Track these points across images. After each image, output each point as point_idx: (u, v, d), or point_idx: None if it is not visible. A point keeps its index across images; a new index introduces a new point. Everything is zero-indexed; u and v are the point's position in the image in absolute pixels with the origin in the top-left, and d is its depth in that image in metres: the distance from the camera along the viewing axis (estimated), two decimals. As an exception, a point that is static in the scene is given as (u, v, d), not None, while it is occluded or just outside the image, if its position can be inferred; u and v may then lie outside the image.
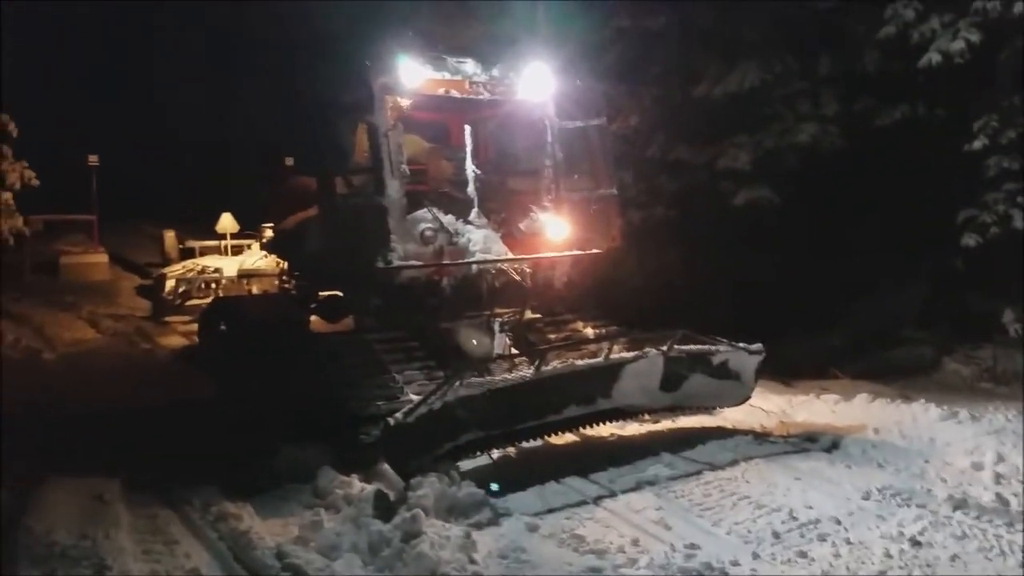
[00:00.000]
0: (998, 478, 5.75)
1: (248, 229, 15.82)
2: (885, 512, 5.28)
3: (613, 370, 6.44)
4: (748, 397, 7.36)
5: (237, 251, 15.42)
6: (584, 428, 6.69)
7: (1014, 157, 8.90)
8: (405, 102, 7.40)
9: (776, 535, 4.98)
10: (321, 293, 8.79)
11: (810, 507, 5.39)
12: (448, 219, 7.36)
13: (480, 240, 7.40)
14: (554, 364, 6.38)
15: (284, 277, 10.54)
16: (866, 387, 8.50)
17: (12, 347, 12.00)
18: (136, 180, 22.63)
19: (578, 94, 8.07)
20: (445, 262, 7.24)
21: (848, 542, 4.85)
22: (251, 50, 25.34)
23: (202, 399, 8.66)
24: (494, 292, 7.64)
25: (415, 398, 5.91)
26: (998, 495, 5.47)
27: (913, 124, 9.83)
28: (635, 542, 4.93)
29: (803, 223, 10.34)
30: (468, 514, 5.23)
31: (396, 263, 6.89)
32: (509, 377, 6.07)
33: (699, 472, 6.08)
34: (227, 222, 16.03)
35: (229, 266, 14.30)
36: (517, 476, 5.94)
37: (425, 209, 7.36)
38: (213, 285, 14.22)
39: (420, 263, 7.11)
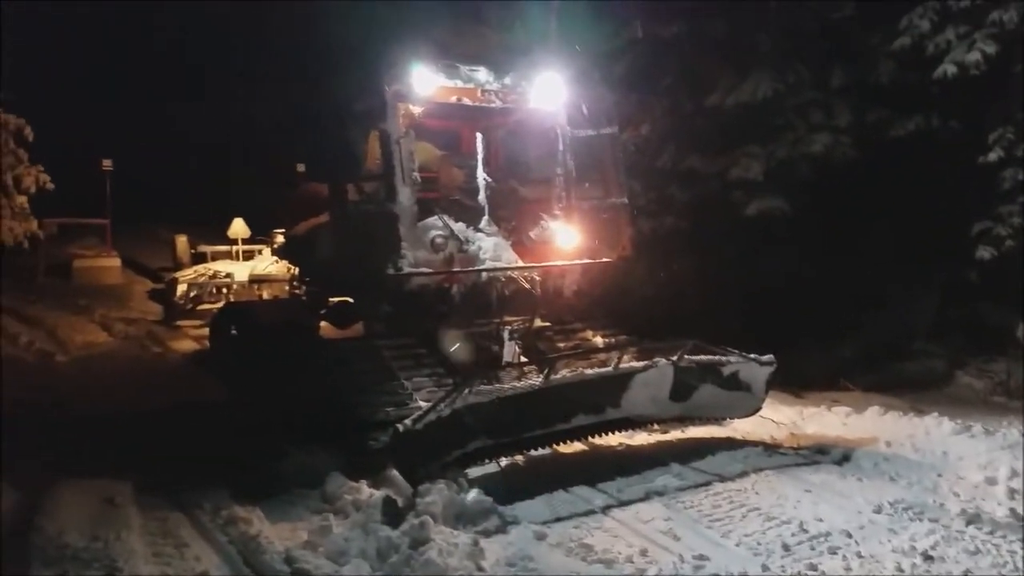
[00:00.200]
0: (1012, 493, 5.69)
1: (259, 234, 15.91)
2: (897, 526, 5.23)
3: (622, 379, 6.41)
4: (759, 408, 7.32)
5: (248, 256, 15.52)
6: (593, 437, 6.66)
7: (1030, 170, 8.86)
8: (417, 109, 7.45)
9: (786, 547, 4.94)
10: (331, 299, 8.82)
11: (821, 520, 5.34)
12: (459, 226, 7.39)
13: (490, 248, 7.42)
14: (563, 373, 6.37)
15: (295, 283, 10.59)
16: (878, 399, 8.44)
17: (25, 349, 12.08)
18: (149, 185, 22.76)
19: (590, 103, 8.08)
20: (455, 269, 7.25)
21: (859, 555, 4.81)
22: (264, 56, 25.49)
23: (212, 403, 8.69)
24: (504, 300, 7.65)
25: (424, 405, 5.92)
26: (1012, 510, 5.42)
27: (927, 136, 9.77)
28: (643, 552, 4.91)
29: (815, 234, 10.29)
30: (476, 521, 5.22)
31: (406, 270, 6.91)
32: (518, 385, 6.06)
33: (708, 483, 6.05)
34: (239, 227, 16.13)
35: (240, 271, 14.38)
36: (525, 484, 5.93)
37: (436, 216, 7.39)
38: (224, 290, 14.32)
39: (430, 270, 7.13)
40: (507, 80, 7.70)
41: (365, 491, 5.65)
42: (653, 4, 11.28)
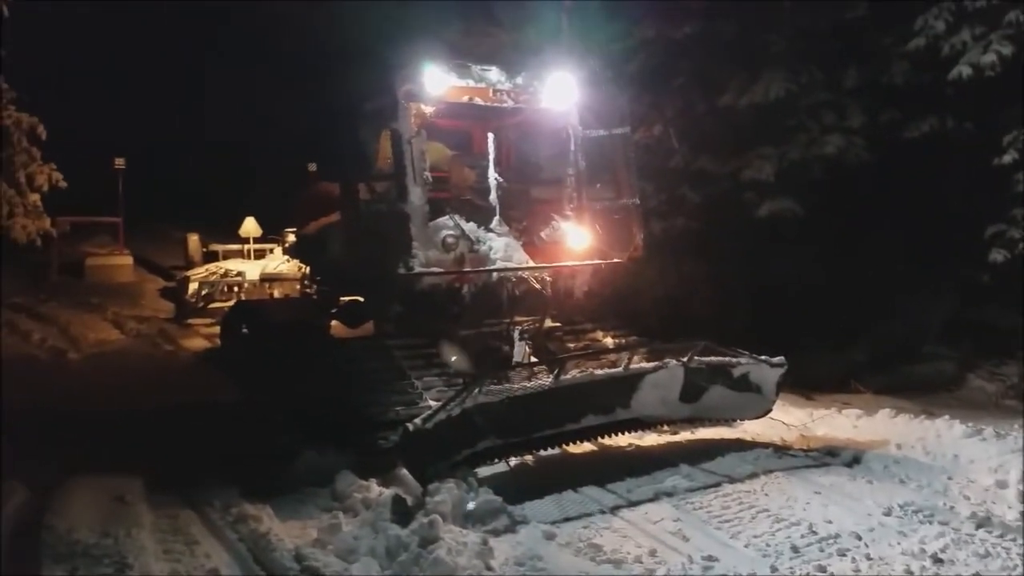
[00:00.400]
0: (1022, 496, 5.66)
1: (271, 233, 16.00)
2: (907, 528, 5.21)
3: (632, 380, 6.41)
4: (769, 410, 7.29)
5: (260, 255, 15.62)
6: (602, 438, 6.65)
7: (1045, 173, 8.79)
8: (429, 109, 7.45)
9: (795, 549, 4.93)
10: (342, 298, 8.85)
11: (830, 522, 5.32)
12: (470, 226, 7.39)
13: (501, 248, 7.42)
14: (573, 373, 6.37)
15: (306, 281, 10.63)
16: (888, 402, 8.40)
17: (38, 346, 12.19)
18: (161, 183, 22.94)
19: (601, 103, 8.07)
20: (466, 269, 7.26)
21: (868, 558, 4.79)
22: (277, 56, 25.63)
23: (223, 401, 8.74)
24: (514, 300, 7.65)
25: (434, 404, 5.93)
26: (1022, 514, 5.39)
27: (941, 137, 9.70)
28: (652, 553, 4.90)
29: (827, 235, 10.25)
30: (485, 521, 5.23)
31: (417, 269, 6.92)
32: (528, 385, 6.07)
33: (718, 484, 6.04)
34: (250, 226, 16.24)
35: (251, 270, 14.47)
36: (535, 484, 5.93)
37: (447, 216, 7.39)
38: (235, 288, 14.41)
39: (441, 270, 7.14)
40: (519, 80, 7.70)
41: (375, 490, 5.67)
42: (665, 4, 11.26)
